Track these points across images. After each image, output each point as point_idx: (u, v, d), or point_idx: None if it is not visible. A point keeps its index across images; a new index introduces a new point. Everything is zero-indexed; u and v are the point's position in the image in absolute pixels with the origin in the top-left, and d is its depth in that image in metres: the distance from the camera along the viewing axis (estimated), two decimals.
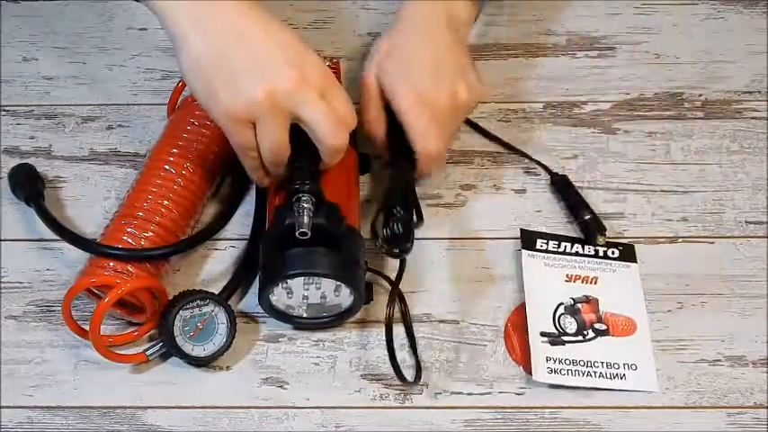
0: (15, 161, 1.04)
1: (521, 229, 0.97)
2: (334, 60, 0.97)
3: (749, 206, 1.00)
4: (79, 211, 1.01)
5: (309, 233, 0.86)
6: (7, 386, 0.91)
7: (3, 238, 0.99)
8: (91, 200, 1.02)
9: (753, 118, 1.06)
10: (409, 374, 0.90)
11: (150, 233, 0.93)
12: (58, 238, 0.95)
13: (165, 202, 0.94)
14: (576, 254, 0.96)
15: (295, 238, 0.87)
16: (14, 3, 1.17)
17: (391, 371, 0.91)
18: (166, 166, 0.96)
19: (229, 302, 0.93)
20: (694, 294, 0.94)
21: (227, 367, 0.92)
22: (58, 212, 1.00)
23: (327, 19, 1.15)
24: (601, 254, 0.96)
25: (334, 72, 0.96)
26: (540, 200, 1.01)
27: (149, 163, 0.98)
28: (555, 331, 0.92)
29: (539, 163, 1.02)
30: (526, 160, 1.03)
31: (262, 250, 0.91)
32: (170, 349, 0.90)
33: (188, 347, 0.90)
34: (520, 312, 0.93)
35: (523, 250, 0.96)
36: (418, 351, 0.91)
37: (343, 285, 0.89)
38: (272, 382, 0.91)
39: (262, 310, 0.92)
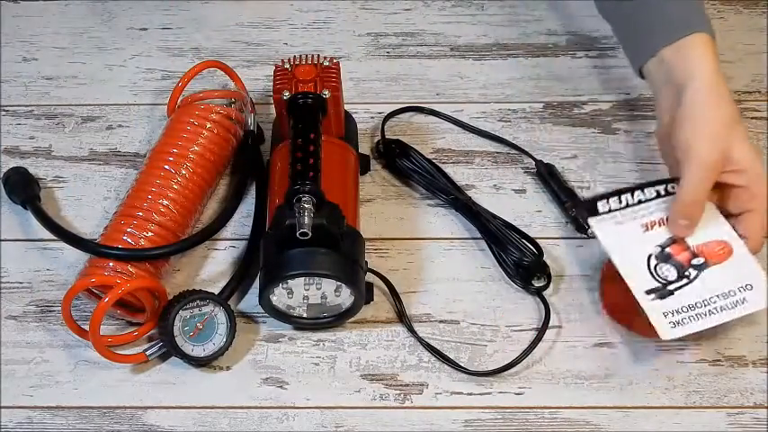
0: (16, 161, 1.04)
1: (578, 200, 0.95)
2: (335, 60, 0.97)
3: None
4: (79, 211, 1.01)
5: (310, 233, 0.86)
6: (7, 386, 0.91)
7: (2, 238, 1.00)
8: (91, 200, 1.02)
9: (753, 118, 1.06)
10: (410, 376, 0.90)
11: (150, 233, 0.93)
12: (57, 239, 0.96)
13: (165, 201, 0.94)
14: (639, 202, 0.93)
15: (295, 239, 0.87)
16: (14, 3, 1.17)
17: (391, 371, 0.91)
18: (166, 166, 0.96)
19: (229, 302, 0.93)
20: None
21: (227, 367, 0.92)
22: (58, 212, 1.01)
23: (327, 19, 1.15)
24: (663, 192, 0.93)
25: (334, 72, 0.96)
26: (540, 200, 1.01)
27: (149, 163, 0.98)
28: (658, 284, 0.89)
29: (524, 151, 1.03)
30: (526, 160, 1.03)
31: (262, 250, 0.91)
32: (170, 349, 0.90)
33: (188, 347, 0.90)
34: (610, 288, 0.92)
35: (590, 219, 0.93)
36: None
37: (343, 286, 0.89)
38: (272, 382, 0.91)
39: (262, 310, 0.92)
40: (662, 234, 0.92)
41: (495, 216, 0.98)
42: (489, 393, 0.90)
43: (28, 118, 1.08)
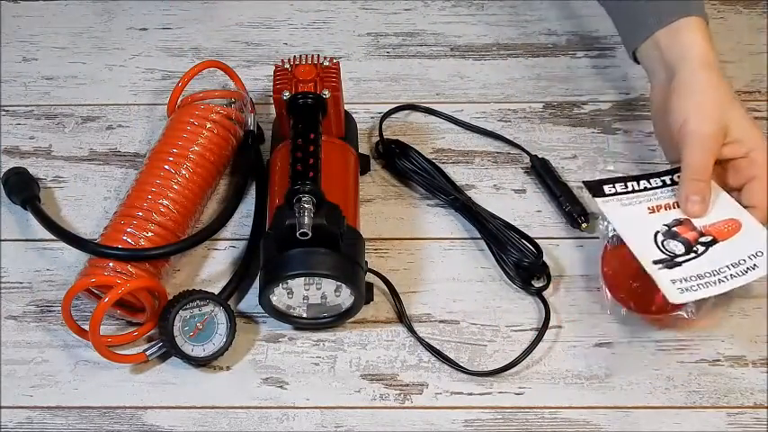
0: (16, 161, 1.04)
1: (584, 182, 0.95)
2: (335, 60, 0.97)
3: None
4: (79, 211, 1.01)
5: (310, 233, 0.86)
6: (7, 386, 0.91)
7: (3, 238, 1.00)
8: (91, 200, 1.02)
9: (753, 118, 1.06)
10: (410, 376, 0.90)
11: (150, 233, 0.93)
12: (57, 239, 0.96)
13: (165, 201, 0.94)
14: (645, 189, 0.94)
15: (296, 239, 0.87)
16: (14, 3, 1.17)
17: (391, 371, 0.91)
18: (166, 166, 0.96)
19: (229, 302, 0.93)
20: None
21: (227, 367, 0.92)
22: (58, 212, 1.01)
23: (327, 19, 1.15)
24: (668, 182, 0.94)
25: (334, 72, 0.96)
26: (540, 200, 1.01)
27: (149, 162, 0.98)
28: (665, 256, 0.89)
29: (518, 146, 1.03)
30: (526, 160, 1.03)
31: (262, 250, 0.91)
32: (170, 349, 0.90)
33: (188, 348, 0.90)
34: (611, 258, 0.92)
35: (596, 198, 0.94)
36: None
37: (343, 286, 0.89)
38: (272, 382, 0.91)
39: (262, 310, 0.92)
40: (669, 216, 0.92)
41: (494, 216, 0.98)
42: (489, 393, 0.90)
43: (28, 118, 1.08)
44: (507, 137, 1.05)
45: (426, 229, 0.99)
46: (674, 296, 0.86)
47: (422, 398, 0.90)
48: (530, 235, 0.96)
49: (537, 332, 0.92)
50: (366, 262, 0.92)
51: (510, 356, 0.91)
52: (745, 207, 0.91)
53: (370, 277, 0.93)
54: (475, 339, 0.93)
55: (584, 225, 0.98)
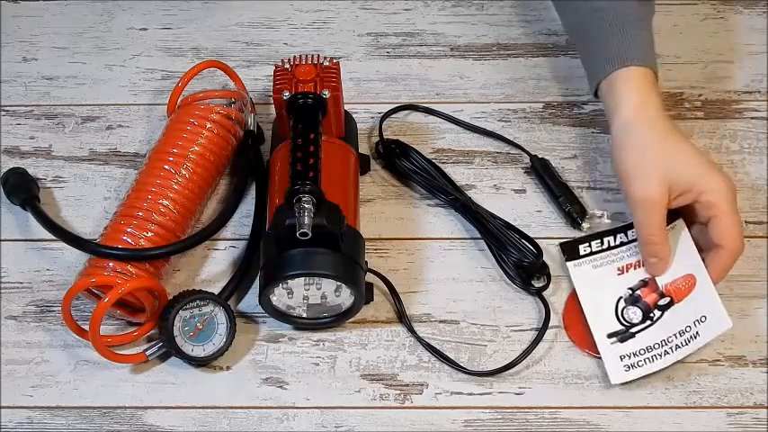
0: (15, 161, 1.04)
1: (560, 244, 0.97)
2: (335, 60, 0.97)
3: (749, 206, 1.00)
4: (79, 211, 1.01)
5: (310, 233, 0.86)
6: (7, 386, 0.91)
7: (2, 238, 1.00)
8: (91, 200, 1.02)
9: (753, 118, 1.06)
10: (410, 376, 0.90)
11: (150, 233, 0.93)
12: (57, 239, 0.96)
13: (165, 201, 0.94)
14: (621, 244, 0.96)
15: (296, 239, 0.87)
16: (14, 3, 1.17)
17: (391, 371, 0.91)
18: (166, 166, 0.96)
19: (229, 302, 0.93)
20: None
21: (227, 367, 0.92)
22: (58, 213, 1.01)
23: (327, 19, 1.15)
24: None
25: (333, 72, 0.96)
26: (540, 200, 1.01)
27: (149, 163, 0.98)
28: (622, 327, 0.91)
29: (517, 146, 1.03)
30: (526, 160, 1.03)
31: (262, 250, 0.91)
32: (170, 349, 0.90)
33: (188, 348, 0.90)
34: (572, 306, 0.94)
35: (568, 263, 0.95)
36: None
37: (343, 286, 0.89)
38: (272, 382, 0.91)
39: (262, 310, 0.92)
40: (636, 276, 0.94)
41: (494, 216, 0.98)
42: (489, 393, 0.90)
43: (28, 118, 1.08)
44: (507, 137, 1.05)
45: (426, 229, 0.99)
46: (617, 376, 0.89)
47: (422, 398, 0.90)
48: (530, 235, 0.96)
49: (537, 332, 0.92)
50: (366, 262, 0.92)
51: (510, 356, 0.91)
52: (716, 245, 0.90)
53: (370, 277, 0.93)
54: (475, 339, 0.93)
55: (584, 225, 0.98)
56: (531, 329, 0.93)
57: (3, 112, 1.08)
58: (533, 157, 1.02)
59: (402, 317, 0.94)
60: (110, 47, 1.13)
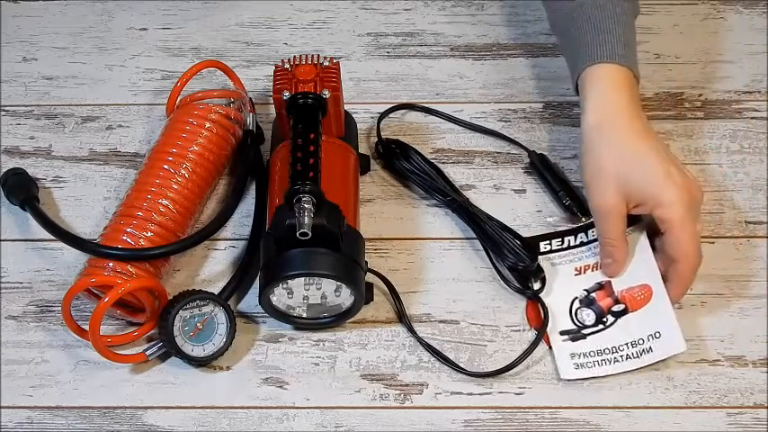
0: (15, 161, 1.04)
1: (521, 238, 0.96)
2: (334, 60, 0.97)
3: (749, 206, 1.00)
4: (79, 211, 1.01)
5: (310, 233, 0.86)
6: (7, 386, 0.91)
7: (2, 238, 1.00)
8: (91, 200, 1.02)
9: (753, 118, 1.06)
10: (410, 376, 0.90)
11: (150, 233, 0.93)
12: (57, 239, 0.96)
13: (165, 201, 0.94)
14: (581, 244, 0.96)
15: (295, 239, 0.87)
16: (14, 3, 1.17)
17: (391, 371, 0.91)
18: (166, 166, 0.96)
19: (229, 302, 0.93)
20: (694, 294, 0.94)
21: (227, 367, 0.92)
22: (58, 213, 1.01)
23: (327, 19, 1.15)
24: None
25: (333, 72, 0.96)
26: (540, 200, 1.01)
27: (149, 162, 0.98)
28: (574, 327, 0.92)
29: (515, 142, 1.03)
30: (526, 160, 1.03)
31: (262, 250, 0.91)
32: (170, 349, 0.90)
33: (188, 348, 0.90)
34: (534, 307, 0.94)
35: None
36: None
37: (343, 286, 0.89)
38: (272, 382, 0.91)
39: (262, 310, 0.92)
40: (592, 278, 0.94)
41: (491, 218, 0.97)
42: (489, 393, 0.90)
43: (28, 118, 1.08)
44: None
45: (426, 229, 0.99)
46: (566, 372, 0.90)
47: (422, 398, 0.90)
48: (528, 236, 0.96)
49: (537, 332, 0.92)
50: (366, 262, 0.92)
51: (510, 356, 0.91)
52: (671, 258, 0.90)
53: (370, 277, 0.93)
54: (475, 339, 0.93)
55: (583, 219, 0.98)
56: (530, 329, 0.93)
57: (3, 112, 1.08)
58: (531, 153, 1.02)
59: (402, 317, 0.94)
60: (110, 47, 1.13)
